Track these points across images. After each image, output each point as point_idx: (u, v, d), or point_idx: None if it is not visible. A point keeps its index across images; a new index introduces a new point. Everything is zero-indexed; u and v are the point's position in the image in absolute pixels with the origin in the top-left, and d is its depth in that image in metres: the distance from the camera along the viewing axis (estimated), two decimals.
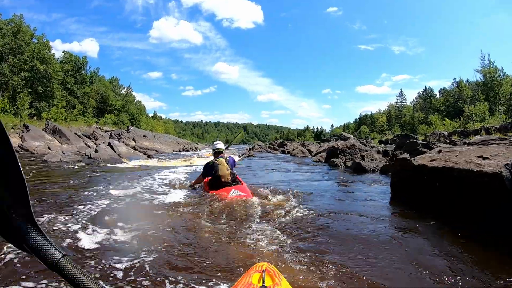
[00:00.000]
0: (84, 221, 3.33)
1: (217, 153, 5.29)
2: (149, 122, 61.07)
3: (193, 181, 5.73)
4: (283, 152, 25.77)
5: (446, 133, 26.63)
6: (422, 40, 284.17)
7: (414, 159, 4.20)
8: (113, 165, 10.72)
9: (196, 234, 3.15)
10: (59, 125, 27.95)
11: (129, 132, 31.80)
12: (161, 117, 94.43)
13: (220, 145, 5.52)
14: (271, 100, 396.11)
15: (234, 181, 5.02)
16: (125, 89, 58.21)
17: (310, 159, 14.31)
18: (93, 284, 0.54)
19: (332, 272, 2.24)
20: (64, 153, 10.46)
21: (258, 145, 30.15)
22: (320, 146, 20.78)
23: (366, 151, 9.96)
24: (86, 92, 41.97)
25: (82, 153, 12.73)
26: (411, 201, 4.25)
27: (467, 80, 54.18)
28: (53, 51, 37.15)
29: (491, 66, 43.89)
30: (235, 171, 5.26)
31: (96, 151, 12.09)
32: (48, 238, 0.58)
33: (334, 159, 10.00)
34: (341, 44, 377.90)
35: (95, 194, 5.04)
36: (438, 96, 61.50)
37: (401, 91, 70.35)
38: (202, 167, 5.51)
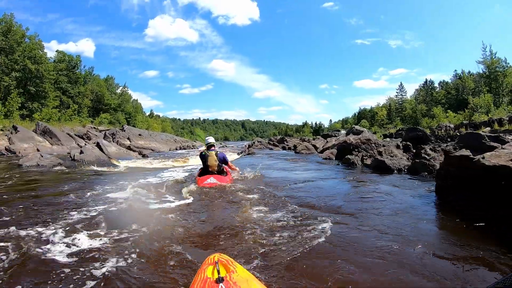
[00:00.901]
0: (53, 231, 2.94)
1: (209, 146, 6.12)
2: (145, 121, 59.69)
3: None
4: (284, 148, 24.66)
5: (452, 125, 25.44)
6: (419, 33, 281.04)
7: (483, 157, 3.11)
8: (98, 167, 9.59)
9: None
10: (52, 125, 27.14)
11: (124, 131, 30.61)
12: (159, 116, 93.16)
13: (211, 139, 6.33)
14: (268, 96, 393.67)
15: (222, 172, 5.88)
16: (121, 88, 57.03)
17: (317, 156, 13.10)
18: None
19: None
20: (42, 156, 9.29)
21: (257, 142, 28.61)
22: (327, 142, 19.39)
23: (384, 146, 8.84)
24: (81, 92, 40.70)
25: (66, 155, 11.58)
26: (471, 212, 3.16)
27: (469, 72, 53.71)
28: (48, 52, 36.02)
29: (493, 57, 42.83)
30: (231, 164, 6.44)
31: (81, 152, 10.95)
32: None
33: (348, 156, 8.82)
34: (338, 39, 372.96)
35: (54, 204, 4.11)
36: (438, 88, 60.75)
37: (401, 84, 69.20)
38: (197, 169, 6.40)
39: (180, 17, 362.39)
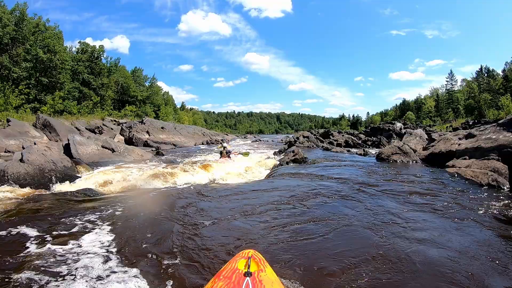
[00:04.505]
0: None
1: (224, 148, 12.44)
2: (170, 113, 55.67)
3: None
4: (330, 143, 19.11)
5: None
6: (456, 23, 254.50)
7: None
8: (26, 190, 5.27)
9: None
10: (65, 119, 24.51)
11: (144, 123, 26.87)
12: (191, 108, 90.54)
13: (226, 144, 14.12)
14: (303, 89, 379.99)
15: (229, 157, 11.39)
16: (150, 79, 54.29)
17: (444, 172, 6.72)
18: None
19: None
20: None
21: (303, 137, 19.93)
22: (432, 141, 10.37)
23: None
24: (104, 83, 37.75)
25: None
26: None
27: None
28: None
29: None
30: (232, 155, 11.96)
31: (21, 159, 6.74)
32: None
33: None
34: (372, 30, 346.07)
35: None
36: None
37: (451, 72, 61.25)
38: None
39: (213, 11, 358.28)
